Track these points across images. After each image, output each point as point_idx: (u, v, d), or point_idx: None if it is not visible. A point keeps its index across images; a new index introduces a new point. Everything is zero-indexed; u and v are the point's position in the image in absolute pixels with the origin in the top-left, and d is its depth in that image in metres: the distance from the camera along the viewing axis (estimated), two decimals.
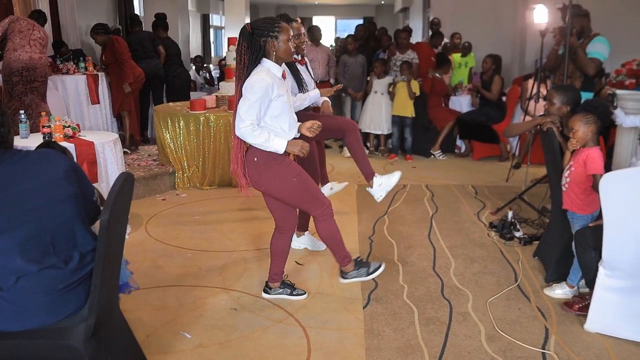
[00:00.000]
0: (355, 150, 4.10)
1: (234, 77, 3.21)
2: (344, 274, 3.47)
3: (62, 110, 6.39)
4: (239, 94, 3.08)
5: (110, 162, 4.62)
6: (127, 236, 4.61)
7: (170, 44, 8.23)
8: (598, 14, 5.27)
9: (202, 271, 3.96)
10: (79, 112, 6.79)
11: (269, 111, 3.08)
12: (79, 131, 4.72)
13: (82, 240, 2.30)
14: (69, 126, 4.59)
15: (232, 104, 5.57)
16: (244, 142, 3.15)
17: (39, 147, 3.02)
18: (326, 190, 4.63)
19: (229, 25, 17.84)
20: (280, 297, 3.50)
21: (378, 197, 4.06)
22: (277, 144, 3.07)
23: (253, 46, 3.05)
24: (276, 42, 3.07)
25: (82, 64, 7.05)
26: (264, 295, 3.53)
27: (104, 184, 4.56)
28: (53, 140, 4.14)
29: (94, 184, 3.96)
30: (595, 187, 3.26)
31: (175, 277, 3.87)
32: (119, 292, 2.67)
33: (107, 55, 7.00)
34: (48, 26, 7.88)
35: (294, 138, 3.20)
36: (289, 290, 3.51)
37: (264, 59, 3.09)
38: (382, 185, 4.03)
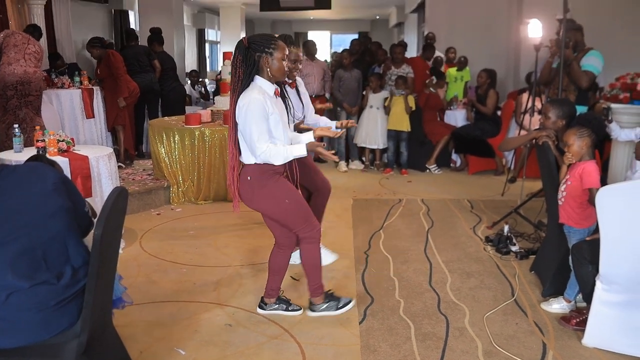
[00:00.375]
0: (316, 212, 3.84)
1: (229, 91, 3.19)
2: (312, 306, 3.43)
3: (56, 124, 6.36)
4: (234, 108, 3.07)
5: (105, 177, 4.59)
6: (121, 251, 4.58)
7: (166, 59, 8.24)
8: (592, 28, 5.30)
9: (197, 286, 3.92)
10: (74, 126, 6.77)
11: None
12: (74, 145, 4.69)
13: (75, 254, 2.27)
14: (63, 140, 4.57)
15: (227, 118, 5.55)
16: (239, 159, 3.14)
17: (27, 161, 2.99)
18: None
19: (225, 40, 17.97)
20: (275, 312, 3.47)
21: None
22: (297, 151, 3.07)
23: (248, 60, 3.05)
24: (270, 58, 3.06)
25: (77, 78, 7.04)
26: (259, 310, 3.50)
27: (98, 199, 4.53)
28: (42, 154, 4.12)
29: (87, 199, 3.95)
30: (591, 201, 3.25)
31: (169, 292, 3.84)
32: (112, 307, 2.64)
33: (103, 69, 7.00)
34: (43, 40, 7.86)
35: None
36: (284, 306, 3.48)
37: (257, 77, 3.09)
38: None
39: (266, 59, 3.06)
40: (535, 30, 5.58)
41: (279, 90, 3.23)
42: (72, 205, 2.33)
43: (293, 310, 3.47)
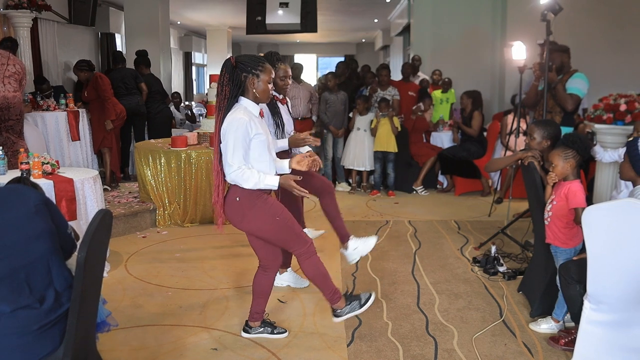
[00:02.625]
0: (330, 212, 4.05)
1: (215, 112, 3.18)
2: (336, 312, 3.34)
3: (41, 147, 6.31)
4: (219, 127, 3.06)
5: (90, 200, 4.55)
6: (106, 274, 4.55)
7: (153, 81, 8.23)
8: (575, 50, 5.36)
9: (183, 310, 3.88)
10: (59, 149, 6.71)
11: (249, 151, 3.05)
12: (58, 168, 4.65)
13: (58, 277, 2.24)
14: (48, 163, 4.53)
15: (213, 140, 5.55)
16: (225, 182, 3.12)
17: (8, 183, 2.96)
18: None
19: (211, 62, 18.06)
20: (260, 336, 3.43)
21: (351, 259, 4.03)
22: (270, 182, 3.04)
23: (234, 79, 3.05)
24: (257, 80, 3.07)
25: (62, 101, 7.00)
26: (244, 334, 3.46)
27: (83, 222, 4.48)
28: (25, 176, 4.07)
29: (72, 222, 3.91)
30: (577, 221, 3.27)
31: (154, 316, 3.79)
32: (96, 331, 2.59)
33: (90, 92, 6.97)
34: (29, 62, 7.86)
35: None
36: (269, 329, 3.44)
37: (242, 97, 3.09)
38: (358, 249, 3.99)
39: (252, 80, 3.07)
40: (519, 52, 5.65)
41: (263, 111, 3.22)
42: (55, 228, 2.30)
43: (279, 333, 3.44)
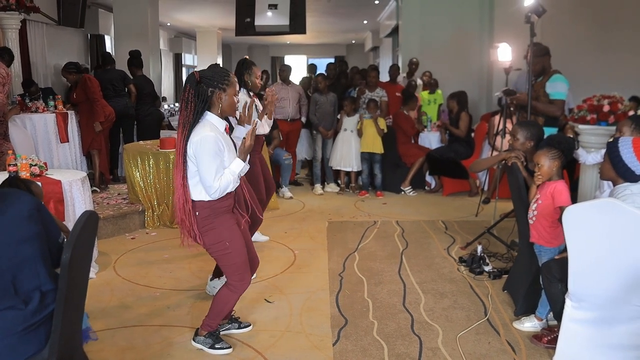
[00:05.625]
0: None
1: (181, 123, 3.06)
2: (195, 336, 3.35)
3: (30, 149, 6.30)
4: (183, 144, 2.99)
5: (78, 201, 4.56)
6: (94, 276, 4.57)
7: (145, 83, 8.21)
8: (560, 51, 5.43)
9: (170, 310, 3.90)
10: (48, 151, 6.70)
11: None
12: (47, 170, 4.66)
13: (45, 280, 2.26)
14: (35, 164, 4.53)
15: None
16: (186, 193, 3.05)
17: (1, 185, 2.98)
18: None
19: (202, 64, 18.01)
20: (202, 347, 3.33)
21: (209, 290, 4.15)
22: (237, 167, 3.05)
23: (200, 95, 3.00)
24: (223, 94, 3.05)
25: (51, 103, 6.99)
26: (193, 343, 3.36)
27: (71, 223, 4.46)
28: (17, 175, 4.08)
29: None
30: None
31: (142, 316, 3.80)
32: (82, 333, 2.61)
33: (79, 94, 6.96)
34: (18, 64, 7.84)
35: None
36: (210, 342, 3.31)
37: (207, 113, 3.05)
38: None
39: (219, 94, 3.04)
40: (504, 53, 5.71)
41: (228, 126, 3.18)
42: (45, 233, 2.32)
43: (221, 347, 3.33)
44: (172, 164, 5.88)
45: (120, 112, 7.45)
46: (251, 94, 4.77)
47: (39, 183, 3.42)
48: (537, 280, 3.55)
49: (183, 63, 19.20)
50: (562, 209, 3.36)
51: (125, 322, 3.70)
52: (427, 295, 4.13)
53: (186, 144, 2.99)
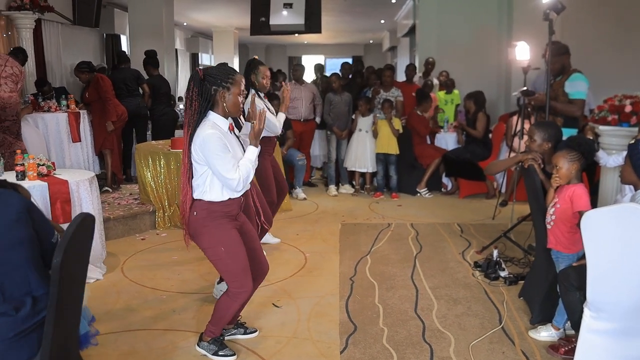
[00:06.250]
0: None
1: (186, 123, 2.98)
2: (199, 341, 3.26)
3: (42, 148, 6.27)
4: (188, 144, 2.92)
5: (86, 202, 4.50)
6: (102, 277, 4.51)
7: (161, 83, 8.17)
8: (579, 49, 5.25)
9: (176, 314, 3.82)
10: (60, 150, 6.67)
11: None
12: (54, 169, 4.60)
13: (36, 285, 2.18)
14: (43, 164, 4.48)
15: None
16: (191, 193, 2.98)
17: None
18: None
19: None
20: (206, 354, 3.24)
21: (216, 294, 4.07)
22: (251, 154, 2.98)
23: (203, 93, 2.91)
24: (227, 93, 2.94)
25: (63, 102, 6.96)
26: (197, 348, 3.28)
27: None
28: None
29: (66, 224, 3.84)
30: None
31: (147, 320, 3.73)
32: (79, 339, 2.53)
33: (91, 93, 6.93)
34: (32, 64, 7.84)
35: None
36: (214, 348, 3.22)
37: (210, 112, 2.95)
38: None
39: (223, 93, 2.94)
40: (522, 52, 5.55)
41: (232, 125, 3.08)
42: (36, 236, 2.24)
43: (225, 355, 3.23)
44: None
45: (133, 112, 7.41)
46: (261, 94, 4.70)
47: (26, 186, 3.32)
48: (554, 288, 3.41)
49: (200, 63, 19.21)
50: (581, 214, 3.21)
51: (129, 326, 3.63)
52: (440, 301, 4.00)
53: (190, 145, 2.91)
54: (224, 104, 2.96)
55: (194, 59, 18.69)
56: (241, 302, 3.13)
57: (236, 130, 3.16)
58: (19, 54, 6.38)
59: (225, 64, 3.23)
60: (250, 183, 3.11)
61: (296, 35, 12.72)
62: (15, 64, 5.63)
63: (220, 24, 17.14)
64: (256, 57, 4.92)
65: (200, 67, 3.01)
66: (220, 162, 2.86)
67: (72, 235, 2.11)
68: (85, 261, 2.41)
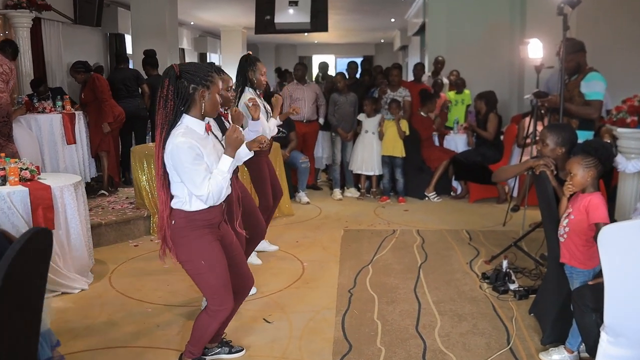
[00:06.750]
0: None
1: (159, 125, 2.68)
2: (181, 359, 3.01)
3: (35, 151, 6.07)
4: (161, 150, 2.62)
5: (71, 208, 4.26)
6: (87, 287, 4.27)
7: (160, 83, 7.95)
8: (596, 48, 4.95)
9: (160, 329, 3.57)
10: (53, 153, 6.43)
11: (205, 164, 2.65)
12: (39, 174, 4.37)
13: None
14: (26, 169, 4.25)
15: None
16: (169, 201, 2.72)
17: None
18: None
19: (226, 64, 17.81)
20: None
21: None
22: (224, 166, 2.65)
23: (180, 92, 2.60)
24: (207, 92, 2.64)
25: (59, 103, 6.74)
26: None
27: (63, 231, 4.21)
28: None
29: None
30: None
31: (128, 336, 3.48)
32: None
33: (87, 94, 6.72)
34: (29, 63, 7.64)
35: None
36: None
37: (185, 115, 2.63)
38: None
39: (203, 92, 2.63)
40: (535, 50, 5.26)
41: (210, 125, 2.76)
42: None
43: None
44: None
45: (132, 113, 7.19)
46: (258, 92, 4.46)
47: None
48: (567, 305, 3.11)
49: None
50: (597, 226, 2.92)
51: (108, 343, 3.39)
52: (444, 317, 3.71)
53: (163, 149, 2.63)
54: (203, 104, 2.66)
55: (202, 58, 18.49)
56: (220, 321, 2.86)
57: (216, 131, 2.87)
58: (7, 48, 6.10)
59: (200, 62, 2.95)
60: (234, 189, 2.84)
61: (306, 34, 12.44)
62: (4, 61, 5.40)
63: (228, 23, 16.93)
64: (250, 52, 4.68)
65: (175, 64, 2.73)
66: (188, 176, 2.56)
67: (17, 253, 1.87)
68: (41, 282, 2.17)
